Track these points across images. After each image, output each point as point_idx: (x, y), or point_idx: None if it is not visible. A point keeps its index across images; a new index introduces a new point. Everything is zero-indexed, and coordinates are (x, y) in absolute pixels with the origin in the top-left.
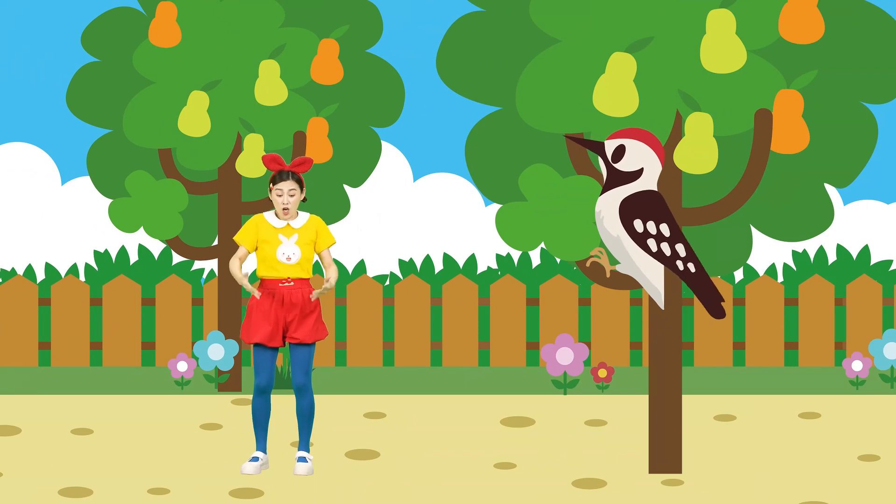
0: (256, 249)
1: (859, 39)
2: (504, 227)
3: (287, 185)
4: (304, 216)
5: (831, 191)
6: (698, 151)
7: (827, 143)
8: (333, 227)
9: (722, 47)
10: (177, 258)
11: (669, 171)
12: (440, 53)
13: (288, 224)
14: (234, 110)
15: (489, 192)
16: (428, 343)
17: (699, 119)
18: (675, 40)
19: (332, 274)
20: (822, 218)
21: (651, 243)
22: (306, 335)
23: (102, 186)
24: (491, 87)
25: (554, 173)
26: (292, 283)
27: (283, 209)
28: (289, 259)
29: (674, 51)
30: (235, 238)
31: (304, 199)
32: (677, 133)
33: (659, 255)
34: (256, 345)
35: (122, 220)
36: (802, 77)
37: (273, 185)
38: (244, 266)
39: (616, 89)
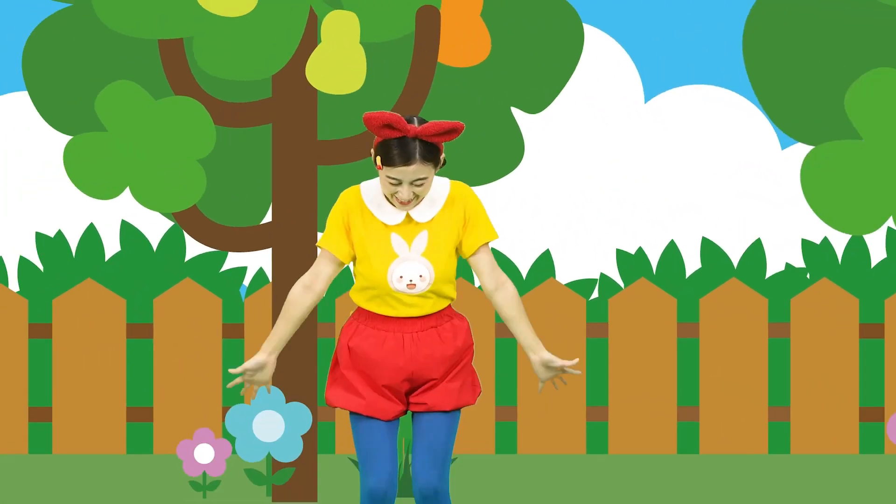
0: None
1: None
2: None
3: (411, 172)
4: (438, 191)
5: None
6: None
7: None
8: (493, 190)
9: None
10: (194, 248)
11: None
12: None
13: (409, 216)
14: None
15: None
16: (673, 409)
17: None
18: None
19: (522, 325)
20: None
21: None
22: (444, 398)
23: (51, 112)
24: None
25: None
26: (421, 322)
27: (402, 204)
28: (412, 286)
29: None
30: (320, 242)
31: (441, 165)
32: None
33: None
34: (360, 416)
35: (91, 174)
36: None
37: (384, 164)
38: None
39: None
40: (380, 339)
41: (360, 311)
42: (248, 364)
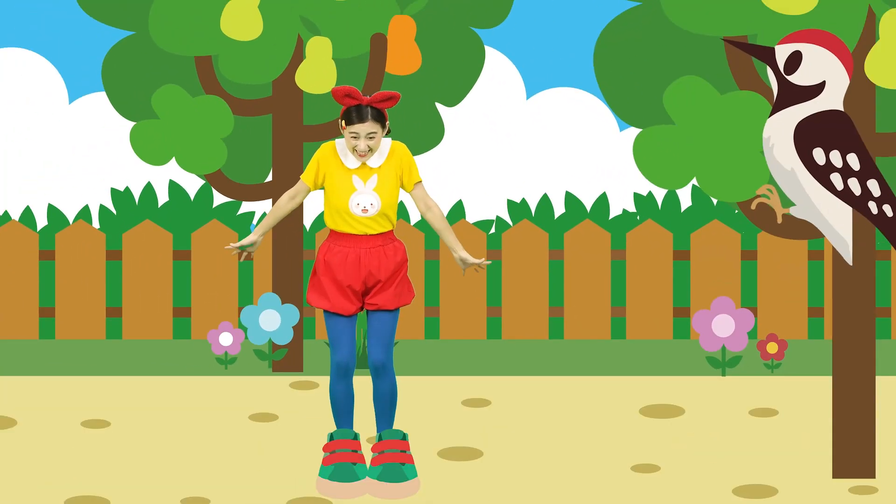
0: (323, 192)
1: None
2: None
3: (365, 128)
4: (383, 147)
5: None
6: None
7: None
8: (423, 159)
9: None
10: (219, 198)
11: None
12: None
13: (364, 163)
14: (294, 6)
15: (623, 113)
16: (545, 308)
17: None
18: None
19: (448, 234)
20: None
21: (836, 179)
22: (388, 300)
23: (122, 105)
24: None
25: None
26: (371, 240)
27: (360, 155)
28: (365, 211)
29: None
30: (302, 176)
31: (387, 131)
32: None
33: (846, 195)
34: (330, 313)
35: (148, 148)
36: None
37: (347, 124)
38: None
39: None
40: (344, 254)
41: (331, 234)
42: (245, 241)
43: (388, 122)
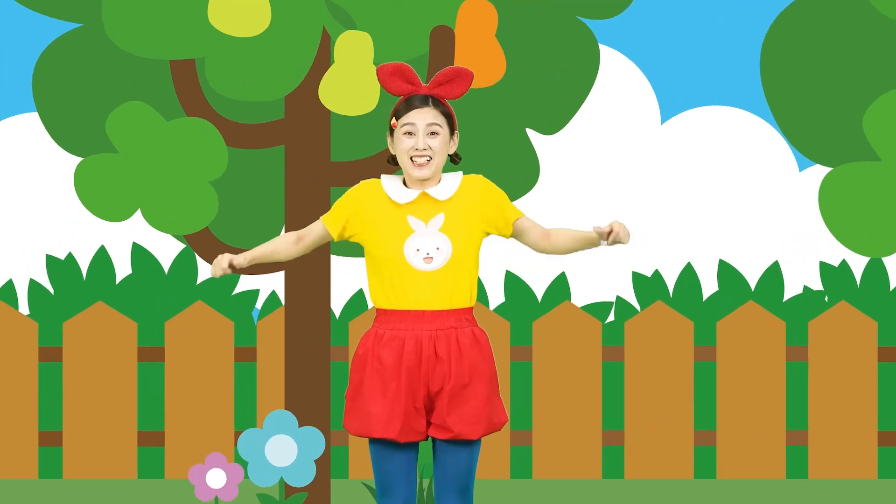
0: (366, 255)
1: None
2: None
3: (424, 116)
4: (452, 179)
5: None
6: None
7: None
8: None
9: None
10: (206, 270)
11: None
12: None
13: (424, 193)
14: None
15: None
16: (690, 432)
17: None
18: None
19: (577, 233)
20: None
21: None
22: (468, 424)
23: (60, 133)
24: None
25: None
26: (438, 318)
27: (418, 159)
28: (429, 260)
29: None
30: (322, 217)
31: (457, 158)
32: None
33: None
34: (378, 442)
35: (101, 196)
36: None
37: (397, 118)
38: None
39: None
40: (399, 340)
41: (378, 316)
42: (236, 259)
43: (456, 129)
